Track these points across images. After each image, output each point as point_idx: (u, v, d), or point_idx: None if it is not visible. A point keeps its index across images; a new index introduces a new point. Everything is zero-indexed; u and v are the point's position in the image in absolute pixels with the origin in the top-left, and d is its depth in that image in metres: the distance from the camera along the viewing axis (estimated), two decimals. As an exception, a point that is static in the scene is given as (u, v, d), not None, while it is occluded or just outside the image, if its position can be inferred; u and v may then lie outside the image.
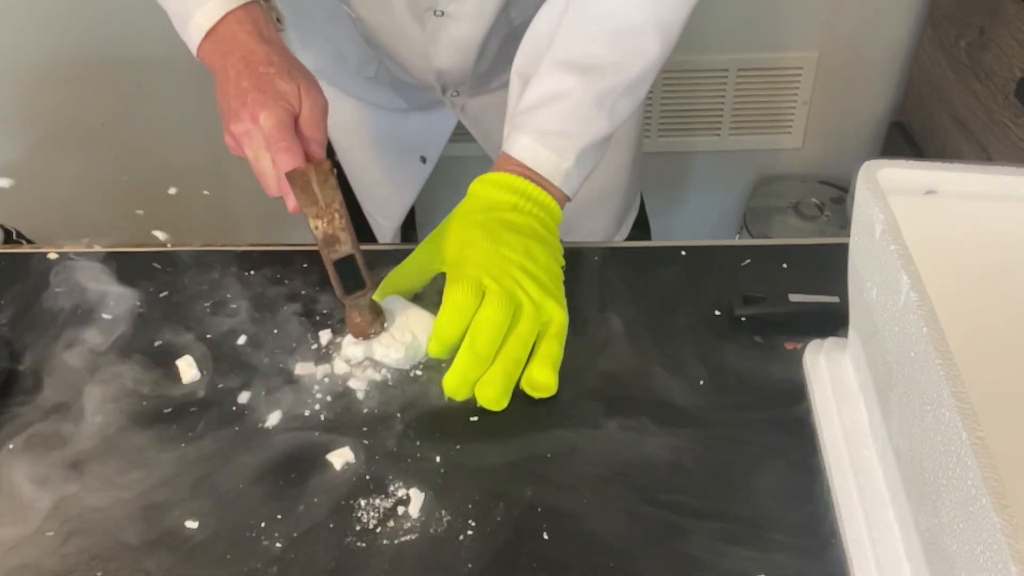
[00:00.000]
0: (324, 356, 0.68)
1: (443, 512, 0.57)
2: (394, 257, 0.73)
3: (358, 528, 0.57)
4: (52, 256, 0.76)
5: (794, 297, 0.69)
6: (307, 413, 0.64)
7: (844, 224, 1.69)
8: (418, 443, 0.62)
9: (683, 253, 0.76)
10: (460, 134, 1.04)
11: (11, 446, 0.62)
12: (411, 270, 0.70)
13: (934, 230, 0.54)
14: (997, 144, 1.37)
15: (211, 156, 1.50)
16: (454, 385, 0.63)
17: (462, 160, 1.18)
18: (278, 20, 0.73)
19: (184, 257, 0.76)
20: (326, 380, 0.66)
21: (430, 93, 0.96)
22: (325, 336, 0.69)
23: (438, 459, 0.61)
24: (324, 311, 0.71)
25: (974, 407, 0.40)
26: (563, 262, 0.71)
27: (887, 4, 1.60)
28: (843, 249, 0.58)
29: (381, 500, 0.58)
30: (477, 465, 0.60)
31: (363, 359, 0.67)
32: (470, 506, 0.58)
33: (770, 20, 1.61)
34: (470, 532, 0.56)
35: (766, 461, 0.60)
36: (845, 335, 0.62)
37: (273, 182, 0.64)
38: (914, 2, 1.59)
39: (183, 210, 1.78)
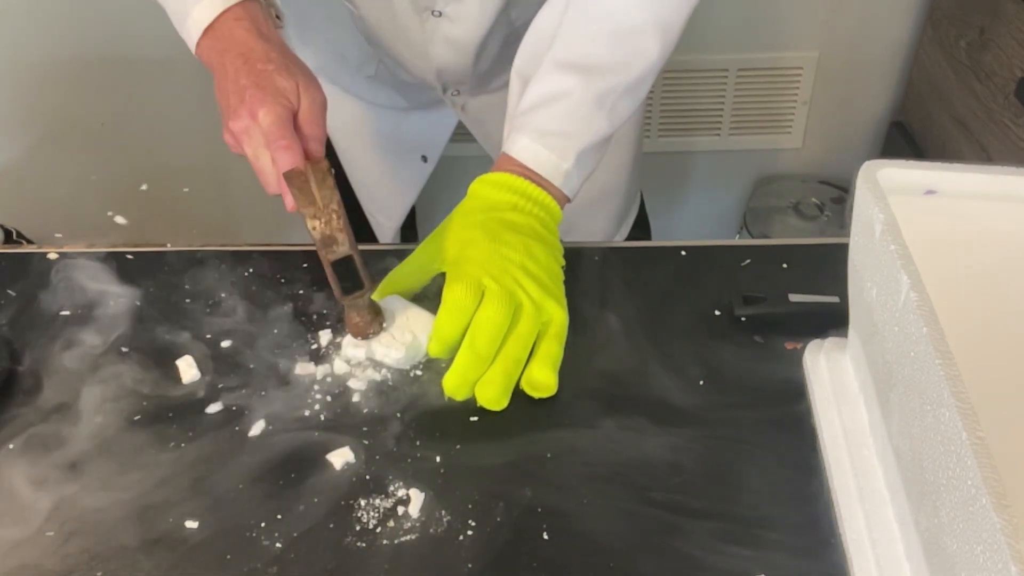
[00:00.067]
0: (324, 356, 0.68)
1: (443, 512, 0.57)
2: (394, 257, 0.73)
3: (358, 528, 0.57)
4: (52, 256, 0.76)
5: (794, 297, 0.69)
6: (307, 413, 0.64)
7: (844, 224, 1.68)
8: (418, 443, 0.62)
9: (683, 253, 0.76)
10: (461, 134, 1.04)
11: (11, 446, 0.62)
12: (411, 270, 0.70)
13: (934, 230, 0.54)
14: (997, 144, 1.37)
15: (211, 156, 1.50)
16: (454, 385, 0.63)
17: (462, 160, 1.18)
18: (277, 17, 0.73)
19: (184, 257, 0.76)
20: (326, 380, 0.66)
21: (430, 92, 0.96)
22: (325, 336, 0.69)
23: (438, 459, 0.61)
24: (324, 311, 0.71)
25: (974, 407, 0.40)
26: (563, 262, 0.71)
27: (887, 4, 1.60)
28: (843, 249, 0.58)
29: (381, 500, 0.58)
30: (477, 465, 0.60)
31: (364, 359, 0.67)
32: (470, 506, 0.58)
33: (770, 20, 1.61)
34: (470, 532, 0.56)
35: (766, 461, 0.60)
36: (845, 335, 0.62)
37: (272, 180, 0.64)
38: (914, 2, 1.59)
39: (183, 210, 1.79)
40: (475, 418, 0.63)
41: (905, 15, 1.61)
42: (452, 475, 0.60)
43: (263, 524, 0.57)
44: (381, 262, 0.73)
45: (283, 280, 0.74)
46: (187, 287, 0.74)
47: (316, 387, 0.66)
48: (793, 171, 1.82)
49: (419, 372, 0.67)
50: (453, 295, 0.64)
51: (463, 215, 0.70)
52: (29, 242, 1.63)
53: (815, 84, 1.68)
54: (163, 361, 0.67)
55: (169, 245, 0.78)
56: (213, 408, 0.64)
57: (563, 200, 0.73)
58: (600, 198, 1.02)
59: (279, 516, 0.57)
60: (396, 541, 0.56)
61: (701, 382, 0.65)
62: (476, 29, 0.85)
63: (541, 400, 0.64)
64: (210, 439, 0.62)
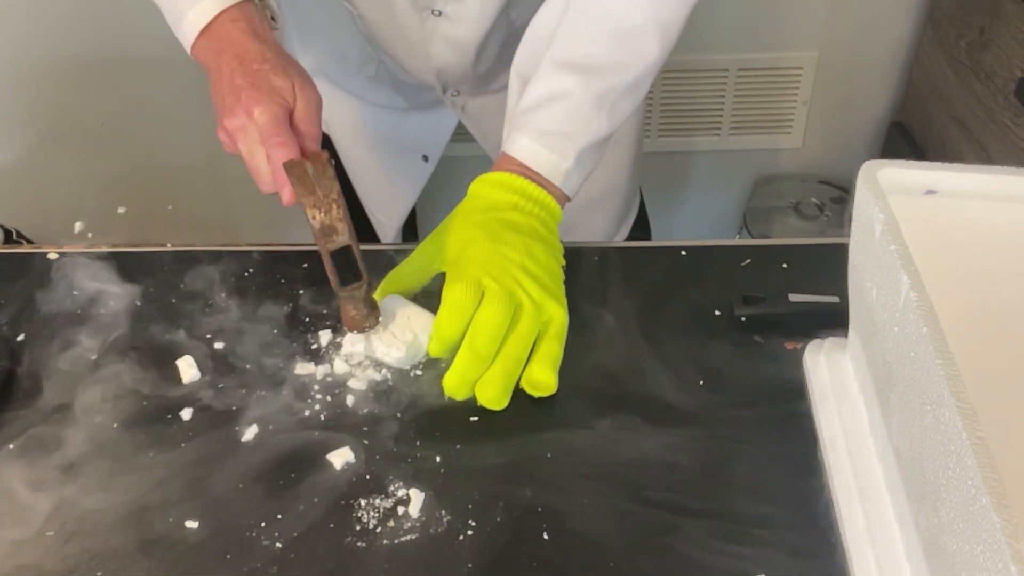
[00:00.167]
0: (324, 356, 0.68)
1: (443, 512, 0.57)
2: (395, 256, 0.73)
3: (358, 528, 0.57)
4: (52, 256, 0.76)
5: (794, 297, 0.69)
6: (307, 413, 0.64)
7: (844, 224, 1.68)
8: (418, 443, 0.62)
9: (683, 253, 0.76)
10: (461, 134, 1.04)
11: (11, 447, 0.62)
12: (412, 270, 0.70)
13: (934, 230, 0.54)
14: (997, 144, 1.37)
15: (211, 156, 1.50)
16: (454, 385, 0.63)
17: (463, 160, 1.18)
18: (272, 19, 0.73)
19: (184, 257, 0.76)
20: (326, 380, 0.66)
21: (430, 93, 0.96)
22: (325, 336, 0.69)
23: (438, 459, 0.61)
24: (323, 311, 0.71)
25: (974, 407, 0.40)
26: (563, 262, 0.71)
27: (887, 4, 1.60)
28: (843, 249, 0.58)
29: (381, 500, 0.58)
30: (477, 465, 0.60)
31: (364, 358, 0.67)
32: (470, 506, 0.58)
33: (770, 20, 1.61)
34: (470, 532, 0.56)
35: (766, 461, 0.60)
36: (845, 335, 0.62)
37: (267, 177, 0.64)
38: (914, 2, 1.59)
39: (183, 210, 1.79)
40: (475, 418, 0.63)
41: (905, 15, 1.61)
42: (452, 475, 0.60)
43: (263, 524, 0.57)
44: (382, 261, 0.73)
45: (283, 280, 0.74)
46: (187, 287, 0.74)
47: (316, 387, 0.66)
48: (793, 171, 1.82)
49: (419, 372, 0.67)
50: (453, 295, 0.64)
51: (463, 215, 0.70)
52: (29, 242, 1.63)
53: (815, 84, 1.68)
54: (163, 361, 0.67)
55: (169, 245, 0.78)
56: (213, 408, 0.64)
57: (563, 200, 0.73)
58: (600, 198, 1.02)
59: (279, 516, 0.57)
60: (396, 541, 0.56)
61: (701, 382, 0.65)
62: (476, 29, 0.85)
63: (541, 400, 0.64)
64: (210, 439, 0.62)
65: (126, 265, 0.75)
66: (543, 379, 0.64)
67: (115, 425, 0.63)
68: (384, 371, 0.67)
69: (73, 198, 1.76)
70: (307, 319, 0.71)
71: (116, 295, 0.73)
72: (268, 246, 0.78)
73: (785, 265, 0.75)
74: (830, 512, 0.56)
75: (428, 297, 0.69)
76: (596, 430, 0.62)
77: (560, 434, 0.62)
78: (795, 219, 1.74)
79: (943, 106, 1.54)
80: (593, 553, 0.55)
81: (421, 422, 0.63)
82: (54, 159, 1.72)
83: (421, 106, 1.01)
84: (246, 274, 0.75)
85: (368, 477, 0.59)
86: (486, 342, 0.63)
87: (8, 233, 1.62)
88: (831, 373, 0.63)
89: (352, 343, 0.67)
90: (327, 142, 1.11)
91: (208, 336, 0.69)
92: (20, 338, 0.70)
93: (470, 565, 0.54)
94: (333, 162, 0.64)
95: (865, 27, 1.62)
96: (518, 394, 0.64)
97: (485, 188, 0.71)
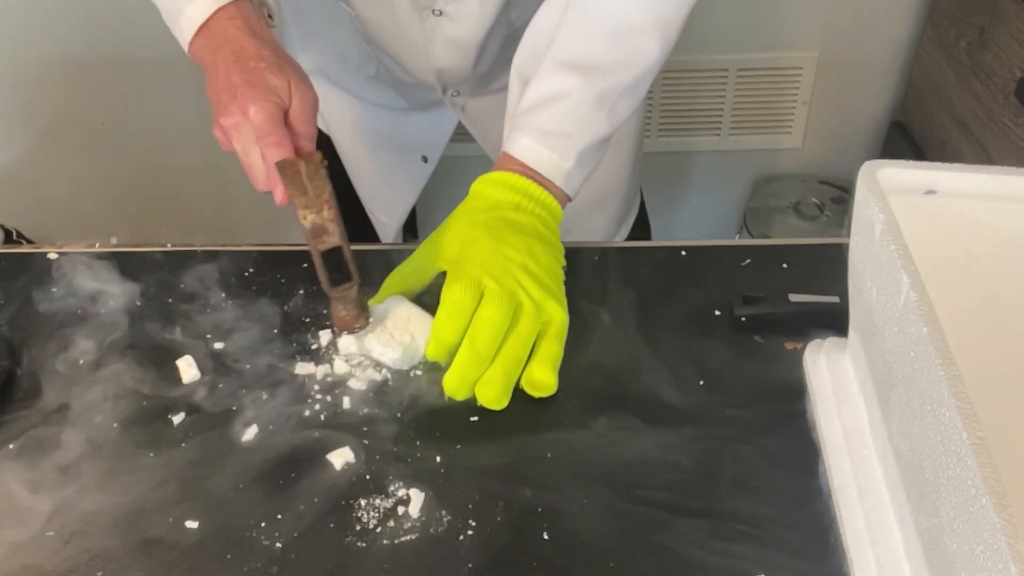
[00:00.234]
0: (324, 356, 0.68)
1: (443, 512, 0.57)
2: (396, 256, 0.73)
3: (358, 528, 0.57)
4: (52, 256, 0.76)
5: (794, 297, 0.69)
6: (307, 413, 0.64)
7: (844, 224, 1.68)
8: (418, 443, 0.62)
9: (683, 253, 0.76)
10: (461, 134, 1.04)
11: (11, 447, 0.62)
12: (413, 270, 0.70)
13: (934, 230, 0.54)
14: (997, 144, 1.38)
15: (211, 156, 1.50)
16: (454, 385, 0.63)
17: (463, 160, 1.18)
18: (270, 16, 0.73)
19: (184, 257, 0.76)
20: (326, 380, 0.66)
21: (430, 93, 0.96)
22: (325, 336, 0.69)
23: (438, 459, 0.61)
24: (324, 311, 0.71)
25: (974, 407, 0.40)
26: (564, 262, 0.71)
27: (887, 4, 1.60)
28: (843, 249, 0.58)
29: (381, 500, 0.58)
30: (477, 465, 0.60)
31: (360, 357, 0.67)
32: (470, 506, 0.58)
33: (770, 20, 1.61)
34: (470, 532, 0.56)
35: (766, 461, 0.60)
36: (845, 335, 0.62)
37: (261, 176, 0.64)
38: (914, 2, 1.59)
39: (183, 210, 1.79)
40: (475, 418, 0.63)
41: (905, 15, 1.61)
42: (452, 475, 0.60)
43: (263, 524, 0.57)
44: (383, 261, 0.74)
45: (283, 280, 0.74)
46: (187, 287, 0.74)
47: (316, 387, 0.66)
48: (793, 171, 1.82)
49: (419, 372, 0.67)
50: (452, 295, 0.64)
51: (465, 214, 0.70)
52: (29, 242, 1.63)
53: (815, 84, 1.68)
54: (163, 361, 0.68)
55: (169, 245, 0.78)
56: (213, 408, 0.64)
57: (564, 200, 0.73)
58: (600, 198, 1.02)
59: (279, 516, 0.57)
60: (396, 541, 0.56)
61: (701, 382, 0.65)
62: (476, 29, 0.85)
63: (541, 400, 0.64)
64: (210, 439, 0.62)
65: (126, 265, 0.75)
66: (543, 379, 0.64)
67: (115, 425, 0.63)
68: (384, 371, 0.67)
69: (73, 198, 1.76)
70: (307, 319, 0.71)
71: (116, 295, 0.73)
72: (268, 246, 0.78)
73: (785, 265, 0.75)
74: (830, 512, 0.56)
75: (431, 297, 0.69)
76: (596, 430, 0.62)
77: (560, 434, 0.62)
78: (795, 219, 1.74)
79: (943, 106, 1.54)
80: (593, 553, 0.55)
81: (421, 422, 0.63)
82: (54, 159, 1.72)
83: (421, 106, 1.01)
84: (246, 274, 0.75)
85: (368, 477, 0.59)
86: (486, 342, 0.63)
87: (8, 233, 1.62)
88: (831, 373, 0.63)
89: (347, 342, 0.67)
90: (327, 142, 1.11)
91: (208, 336, 0.69)
92: (20, 338, 0.70)
93: (470, 565, 0.54)
94: (326, 163, 0.64)
95: (865, 27, 1.62)
96: (518, 394, 0.64)
97: (487, 187, 0.71)
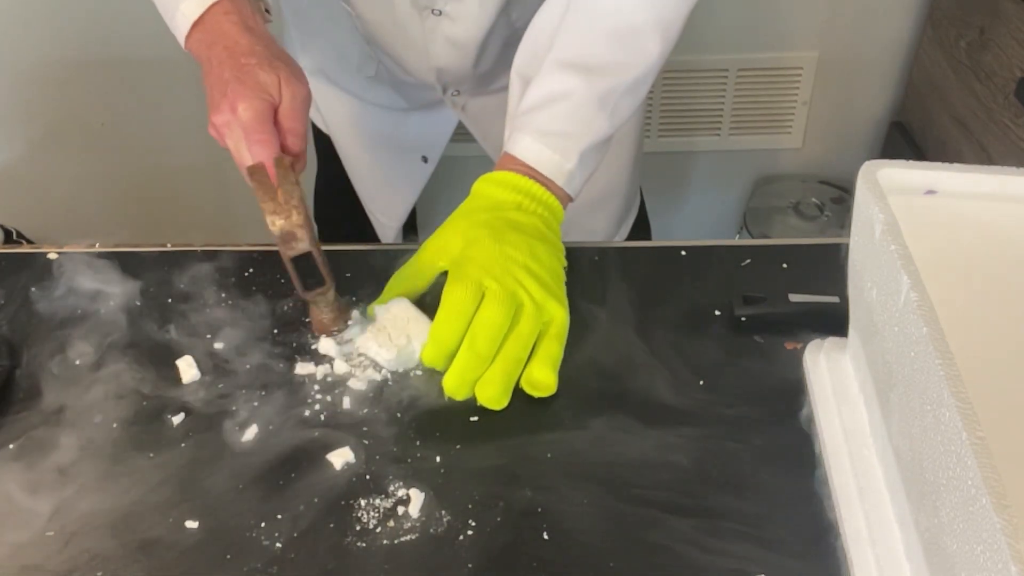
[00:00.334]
0: (324, 356, 0.68)
1: (443, 512, 0.57)
2: (396, 256, 0.73)
3: (358, 528, 0.57)
4: (52, 256, 0.76)
5: (794, 297, 0.69)
6: (307, 413, 0.64)
7: (844, 224, 1.69)
8: (418, 443, 0.62)
9: (683, 253, 0.76)
10: (461, 134, 1.04)
11: (11, 447, 0.62)
12: (415, 270, 0.70)
13: (934, 230, 0.54)
14: (997, 144, 1.38)
15: (211, 156, 1.50)
16: (453, 385, 0.63)
17: (463, 160, 1.18)
18: (267, 11, 0.73)
19: (184, 257, 0.76)
20: (326, 380, 0.66)
21: (430, 93, 0.96)
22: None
23: (438, 459, 0.61)
24: (324, 311, 0.71)
25: (974, 407, 0.40)
26: (566, 262, 0.71)
27: (887, 4, 1.60)
28: (843, 249, 0.58)
29: (381, 500, 0.58)
30: (477, 465, 0.60)
31: (360, 357, 0.67)
32: (470, 506, 0.58)
33: (770, 20, 1.61)
34: (470, 532, 0.56)
35: (766, 461, 0.60)
36: (845, 335, 0.62)
37: None
38: (914, 2, 1.59)
39: (183, 210, 1.79)
40: (475, 418, 0.63)
41: (905, 15, 1.61)
42: (452, 475, 0.60)
43: (263, 524, 0.57)
44: (383, 262, 0.73)
45: (283, 280, 0.74)
46: (187, 287, 0.74)
47: (316, 387, 0.66)
48: (793, 171, 1.82)
49: (419, 372, 0.67)
50: (453, 296, 0.64)
51: (467, 214, 0.70)
52: (29, 242, 1.63)
53: (815, 84, 1.68)
54: (163, 361, 0.67)
55: (169, 245, 0.78)
56: (213, 408, 0.64)
57: (566, 200, 0.73)
58: (600, 198, 1.02)
59: (279, 516, 0.57)
60: (396, 541, 0.56)
61: (701, 382, 0.65)
62: (476, 29, 0.85)
63: (541, 400, 0.64)
64: (210, 439, 0.62)
65: (126, 265, 0.75)
66: (543, 379, 0.64)
67: (115, 425, 0.63)
68: (384, 371, 0.67)
69: (73, 198, 1.76)
70: (307, 319, 0.71)
71: (116, 295, 0.73)
72: (268, 246, 0.78)
73: (785, 265, 0.75)
74: (830, 512, 0.56)
75: (432, 297, 0.69)
76: (596, 431, 0.62)
77: (560, 434, 0.62)
78: (795, 219, 1.74)
79: (943, 106, 1.54)
80: (593, 553, 0.55)
81: (421, 422, 0.63)
82: (54, 159, 1.72)
83: (421, 106, 1.01)
84: (246, 274, 0.75)
85: (368, 477, 0.59)
86: (486, 342, 0.63)
87: (8, 233, 1.62)
88: (831, 373, 0.63)
89: (327, 345, 0.67)
90: (327, 142, 1.11)
91: (208, 336, 0.69)
92: (20, 338, 0.70)
93: (470, 565, 0.54)
94: (297, 167, 0.64)
95: (865, 27, 1.62)
96: (518, 394, 0.64)
97: (489, 187, 0.71)
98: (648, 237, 1.17)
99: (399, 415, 0.64)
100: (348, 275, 0.73)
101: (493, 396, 0.62)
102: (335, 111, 1.05)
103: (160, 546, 0.56)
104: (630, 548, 0.55)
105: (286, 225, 0.62)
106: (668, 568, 0.54)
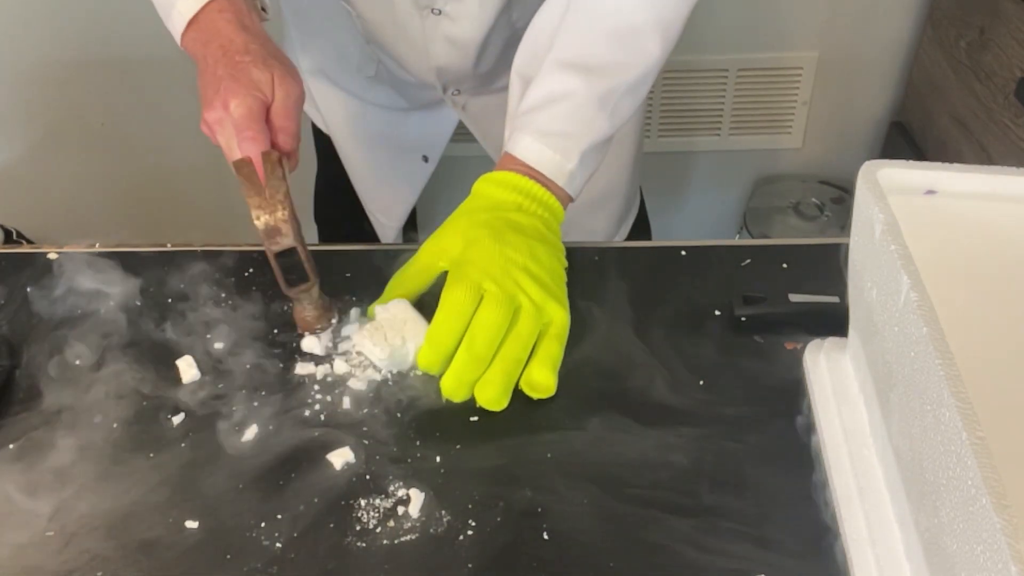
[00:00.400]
0: (324, 356, 0.68)
1: (443, 512, 0.57)
2: (397, 257, 0.73)
3: (358, 528, 0.57)
4: (52, 256, 0.76)
5: (794, 297, 0.69)
6: (307, 413, 0.64)
7: (844, 224, 1.69)
8: (418, 443, 0.62)
9: (683, 253, 0.76)
10: (461, 134, 1.04)
11: (11, 447, 0.62)
12: (416, 271, 0.70)
13: (934, 230, 0.54)
14: (997, 144, 1.38)
15: (211, 156, 1.50)
16: (451, 386, 0.63)
17: (463, 160, 1.18)
18: (263, 9, 0.73)
19: (184, 257, 0.76)
20: (326, 380, 0.66)
21: (431, 92, 0.96)
22: (325, 336, 0.69)
23: (438, 459, 0.61)
24: (324, 311, 0.71)
25: (974, 407, 0.40)
26: (566, 263, 0.71)
27: (887, 4, 1.60)
28: (843, 249, 0.58)
29: (381, 500, 0.58)
30: (477, 465, 0.60)
31: (360, 357, 0.67)
32: (470, 506, 0.58)
33: (770, 20, 1.61)
34: (470, 532, 0.56)
35: (766, 461, 0.60)
36: (845, 335, 0.62)
37: None
38: (914, 2, 1.59)
39: (183, 210, 1.79)
40: (475, 418, 0.63)
41: (905, 15, 1.61)
42: (452, 475, 0.60)
43: (263, 524, 0.57)
44: (383, 262, 0.73)
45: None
46: (187, 287, 0.74)
47: (316, 387, 0.66)
48: (793, 171, 1.82)
49: (419, 372, 0.67)
50: (452, 297, 0.64)
51: (467, 213, 0.70)
52: (29, 242, 1.63)
53: (815, 84, 1.68)
54: (163, 361, 0.67)
55: (169, 245, 0.78)
56: (212, 408, 0.64)
57: (566, 200, 0.73)
58: (600, 198, 1.02)
59: (279, 516, 0.57)
60: (396, 541, 0.56)
61: (701, 382, 0.65)
62: (476, 29, 0.85)
63: (541, 401, 0.64)
64: (210, 439, 0.62)
65: (126, 265, 0.75)
66: (542, 380, 0.63)
67: (115, 425, 0.63)
68: (384, 371, 0.67)
69: (73, 198, 1.76)
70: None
71: (116, 295, 0.73)
72: (268, 246, 0.78)
73: (785, 265, 0.75)
74: (830, 512, 0.56)
75: (432, 298, 0.69)
76: (595, 431, 0.62)
77: (560, 435, 0.62)
78: (795, 219, 1.74)
79: (943, 106, 1.54)
80: (593, 553, 0.55)
81: (421, 422, 0.63)
82: (54, 159, 1.72)
83: (421, 106, 1.01)
84: (246, 274, 0.75)
85: (368, 477, 0.59)
86: (484, 344, 0.63)
87: (8, 233, 1.62)
88: (831, 373, 0.63)
89: (311, 343, 0.68)
90: (327, 142, 1.11)
91: (208, 336, 0.69)
92: (20, 338, 0.70)
93: (470, 565, 0.54)
94: (286, 163, 0.64)
95: (865, 27, 1.62)
96: (518, 395, 0.64)
97: (489, 187, 0.71)
98: (648, 237, 1.17)
99: (399, 415, 0.64)
100: (348, 275, 0.73)
101: (492, 397, 0.62)
102: (335, 111, 1.05)
103: (160, 546, 0.56)
104: (630, 548, 0.55)
105: (271, 220, 0.62)
106: (667, 568, 0.54)
